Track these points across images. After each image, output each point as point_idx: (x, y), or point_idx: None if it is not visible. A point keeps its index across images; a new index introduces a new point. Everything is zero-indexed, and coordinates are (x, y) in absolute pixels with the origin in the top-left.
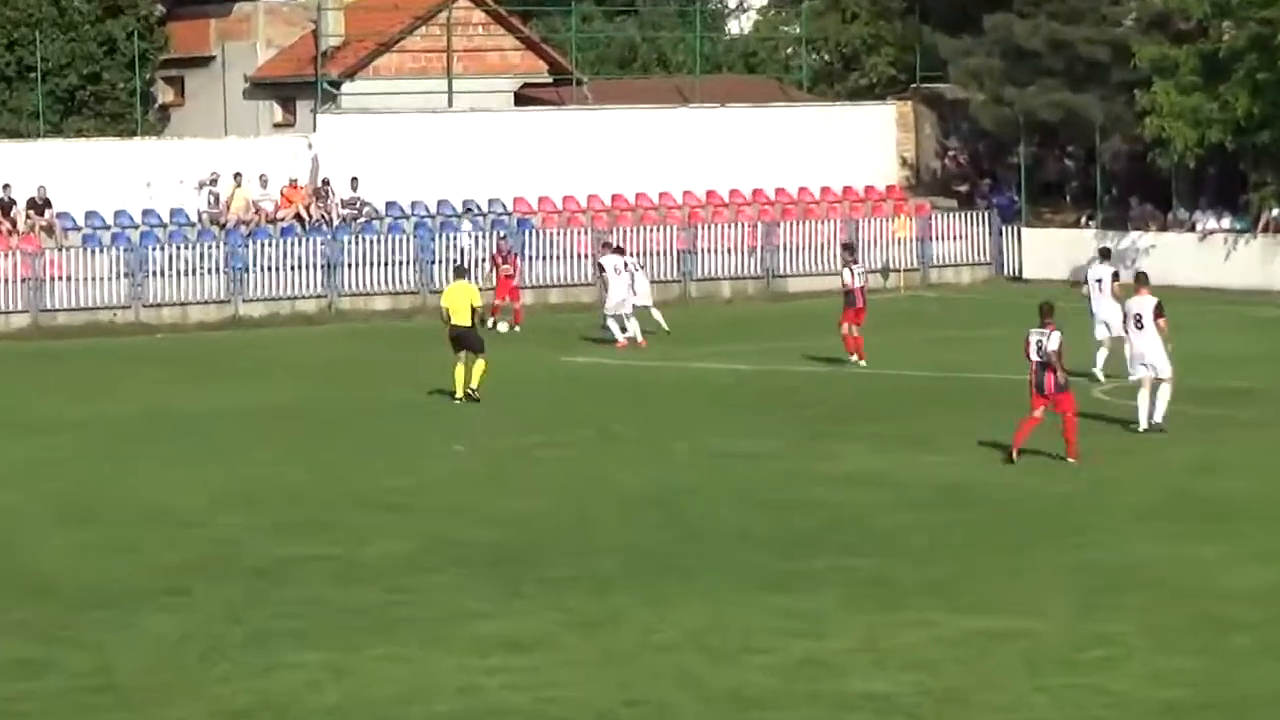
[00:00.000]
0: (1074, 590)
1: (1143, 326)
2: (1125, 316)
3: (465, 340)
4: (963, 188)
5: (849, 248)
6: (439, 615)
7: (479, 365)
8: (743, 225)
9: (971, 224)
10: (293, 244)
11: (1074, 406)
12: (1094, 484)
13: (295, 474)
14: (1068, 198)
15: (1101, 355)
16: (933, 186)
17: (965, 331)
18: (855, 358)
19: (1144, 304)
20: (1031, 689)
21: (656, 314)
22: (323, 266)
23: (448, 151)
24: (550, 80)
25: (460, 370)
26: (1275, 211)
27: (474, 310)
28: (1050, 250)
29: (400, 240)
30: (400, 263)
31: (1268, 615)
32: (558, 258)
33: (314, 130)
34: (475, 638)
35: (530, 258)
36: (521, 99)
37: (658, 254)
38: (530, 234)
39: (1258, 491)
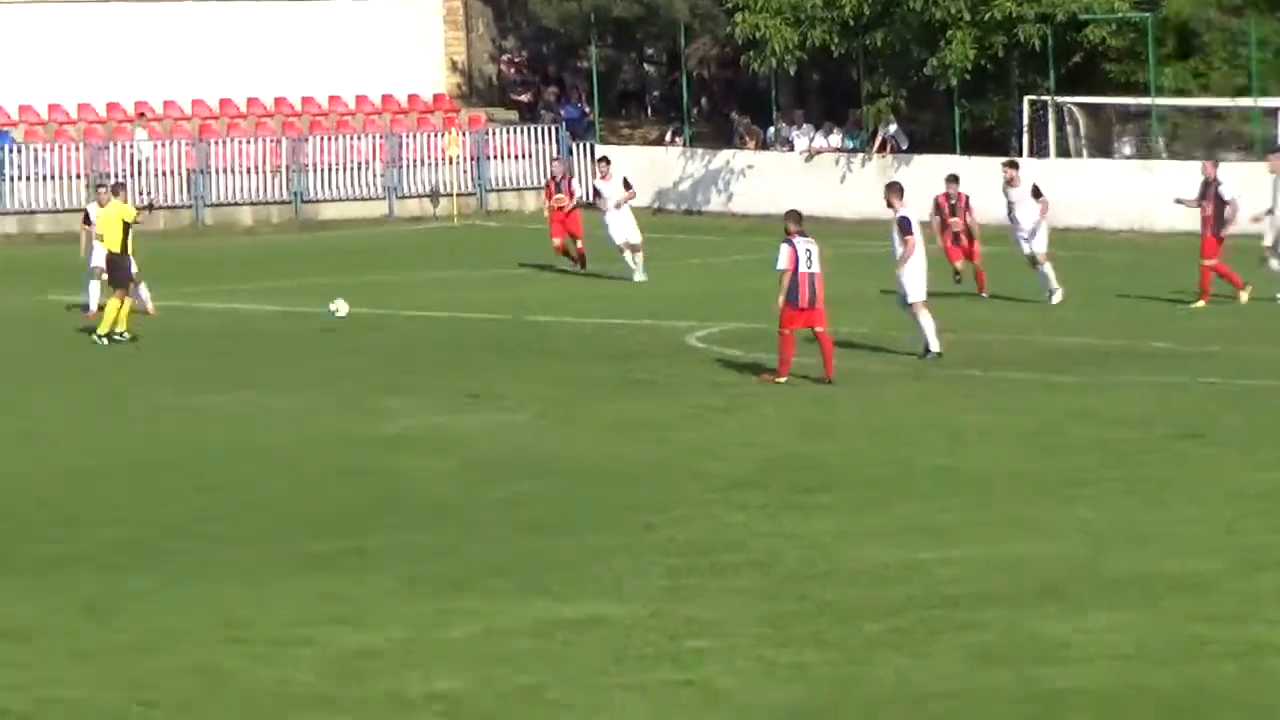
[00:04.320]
0: (665, 571)
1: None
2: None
3: (116, 270)
4: (524, 97)
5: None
6: None
7: (125, 305)
8: (264, 140)
9: (535, 140)
10: None
11: None
12: (686, 449)
13: None
14: (649, 110)
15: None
16: (489, 95)
17: (532, 270)
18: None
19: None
20: (619, 685)
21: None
22: None
23: None
24: None
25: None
26: (893, 128)
27: (126, 230)
28: (628, 171)
29: None
30: None
31: (895, 601)
32: (45, 178)
33: None
34: None
35: (11, 178)
36: None
37: (163, 174)
38: (10, 150)
39: (876, 456)
